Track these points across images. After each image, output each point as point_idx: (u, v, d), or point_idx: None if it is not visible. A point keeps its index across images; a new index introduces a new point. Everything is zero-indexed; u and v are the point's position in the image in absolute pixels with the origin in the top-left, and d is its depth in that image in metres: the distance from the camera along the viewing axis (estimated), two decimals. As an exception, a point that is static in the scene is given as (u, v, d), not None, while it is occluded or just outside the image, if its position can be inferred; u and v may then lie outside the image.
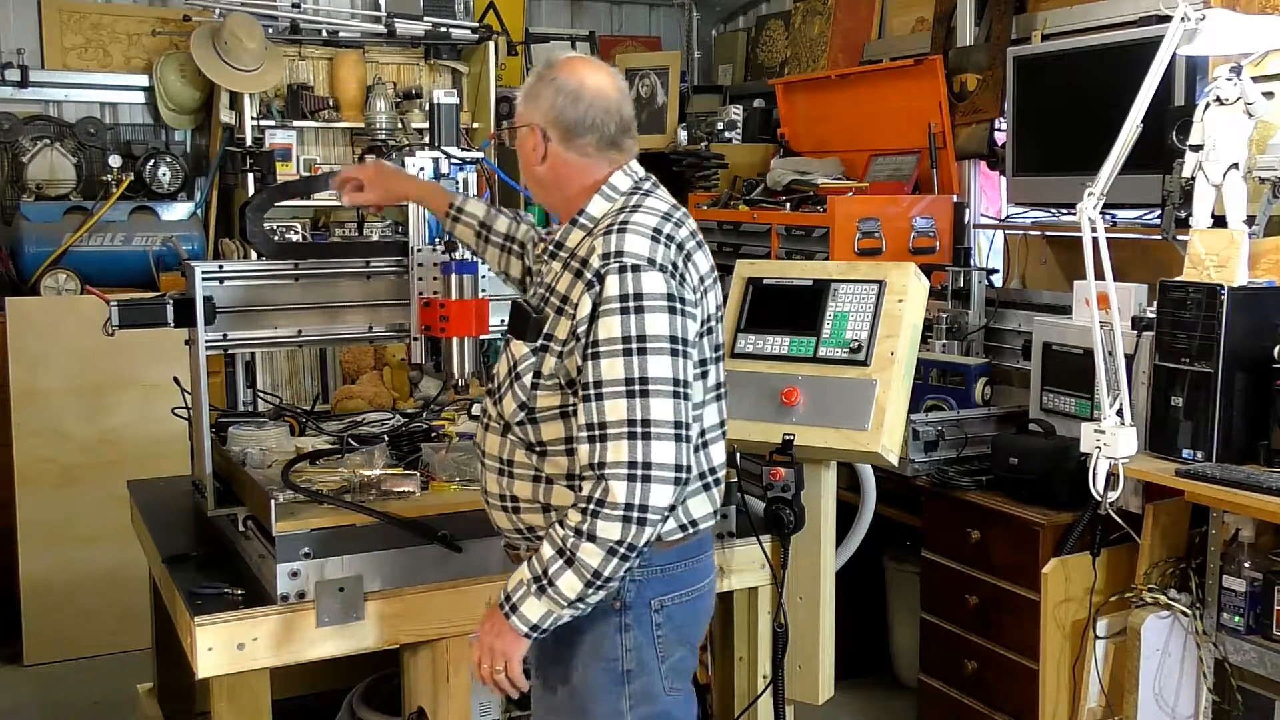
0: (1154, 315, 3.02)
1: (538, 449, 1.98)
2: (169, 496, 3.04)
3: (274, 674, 2.50)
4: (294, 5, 4.81)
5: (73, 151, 4.78)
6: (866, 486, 3.13)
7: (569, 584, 1.86)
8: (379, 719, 2.91)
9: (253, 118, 4.78)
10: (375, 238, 4.92)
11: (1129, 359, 3.04)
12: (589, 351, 1.87)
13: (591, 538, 1.83)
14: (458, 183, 2.77)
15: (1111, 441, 2.76)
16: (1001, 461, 3.33)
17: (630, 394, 1.83)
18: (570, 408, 1.93)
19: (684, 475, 1.86)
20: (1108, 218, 3.23)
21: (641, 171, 2.07)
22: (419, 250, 2.75)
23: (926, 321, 3.65)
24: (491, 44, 5.11)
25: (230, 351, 2.91)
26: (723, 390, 2.08)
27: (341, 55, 4.99)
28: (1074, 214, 2.79)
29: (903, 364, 2.73)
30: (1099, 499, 2.81)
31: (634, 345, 1.84)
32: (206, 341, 2.53)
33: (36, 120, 4.92)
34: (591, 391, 1.85)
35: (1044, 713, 3.13)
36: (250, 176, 4.71)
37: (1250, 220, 2.93)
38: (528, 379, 1.95)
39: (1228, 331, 2.80)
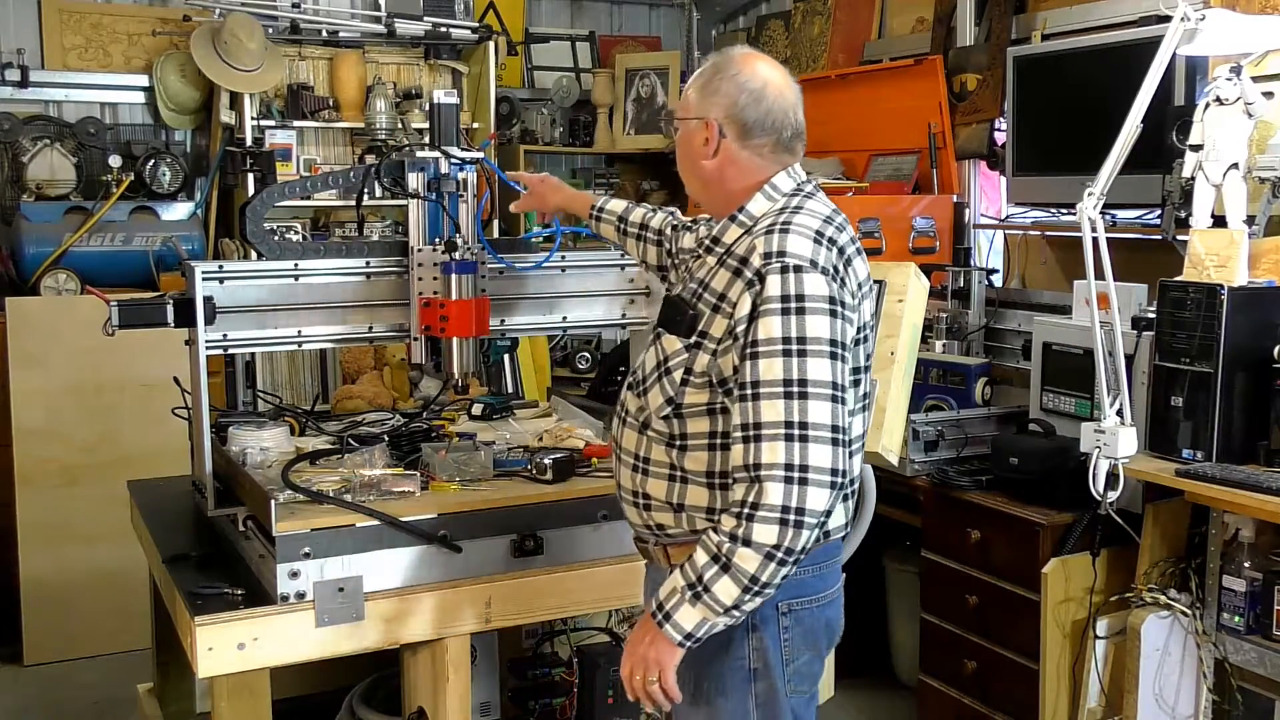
0: (1154, 315, 3.02)
1: (678, 443, 1.95)
2: (169, 496, 3.04)
3: (274, 674, 2.50)
4: (294, 5, 4.81)
5: (73, 151, 4.77)
6: (866, 486, 3.13)
7: (725, 590, 1.81)
8: (379, 719, 2.91)
9: (253, 118, 4.78)
10: (375, 238, 4.92)
11: (1129, 359, 3.04)
12: (747, 351, 1.83)
13: (748, 542, 1.78)
14: (457, 183, 2.77)
15: (1111, 441, 2.76)
16: (1001, 461, 3.33)
17: (789, 395, 1.79)
18: (718, 405, 1.90)
19: (839, 480, 1.82)
20: (1108, 218, 3.23)
21: (804, 174, 2.04)
22: (419, 250, 2.75)
23: (926, 321, 3.65)
24: (491, 44, 5.11)
25: (230, 351, 2.90)
26: (869, 400, 2.04)
27: (341, 55, 4.99)
28: (1074, 214, 2.79)
29: (903, 364, 2.74)
30: (1099, 499, 2.81)
31: (794, 347, 1.80)
32: (206, 341, 2.53)
33: (36, 120, 4.92)
34: (749, 391, 1.82)
35: (1044, 713, 3.13)
36: (250, 176, 4.71)
37: (1250, 220, 2.93)
38: (678, 375, 1.93)
39: (1228, 331, 2.80)
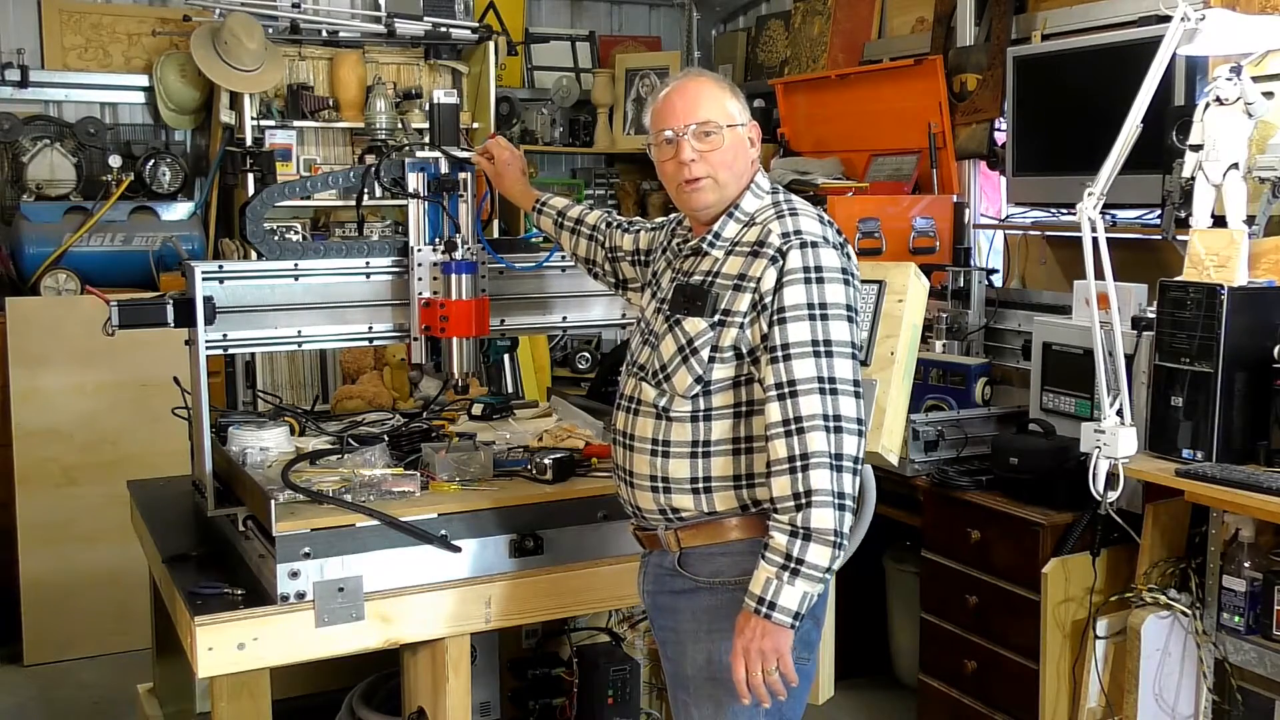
0: (1154, 315, 3.02)
1: (702, 416, 2.09)
2: (169, 496, 3.04)
3: (274, 674, 2.51)
4: (294, 5, 4.81)
5: (73, 151, 4.77)
6: (866, 486, 3.12)
7: (819, 554, 1.94)
8: (379, 719, 2.91)
9: (253, 118, 4.78)
10: (375, 238, 4.92)
11: (1129, 359, 3.04)
12: (775, 318, 2.01)
13: (810, 495, 1.93)
14: (458, 182, 2.77)
15: (1111, 441, 2.76)
16: (1001, 461, 3.33)
17: (817, 354, 1.98)
18: (743, 377, 2.07)
19: (864, 429, 2.02)
20: (1108, 218, 3.23)
21: None
22: (419, 250, 2.75)
23: (926, 321, 3.65)
24: (491, 44, 5.11)
25: (230, 351, 2.90)
26: None
27: (341, 55, 4.99)
28: (1074, 214, 2.79)
29: (903, 364, 2.74)
30: (1099, 499, 2.81)
31: (817, 311, 2.00)
32: (206, 341, 2.53)
33: (36, 120, 4.92)
34: (779, 353, 2.00)
35: (1044, 713, 3.13)
36: (250, 176, 4.71)
37: (1250, 220, 2.93)
38: (705, 353, 2.08)
39: (1228, 331, 2.80)
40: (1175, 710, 3.04)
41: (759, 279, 2.04)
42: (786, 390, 1.98)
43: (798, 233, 2.05)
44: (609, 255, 2.60)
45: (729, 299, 2.07)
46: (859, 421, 1.99)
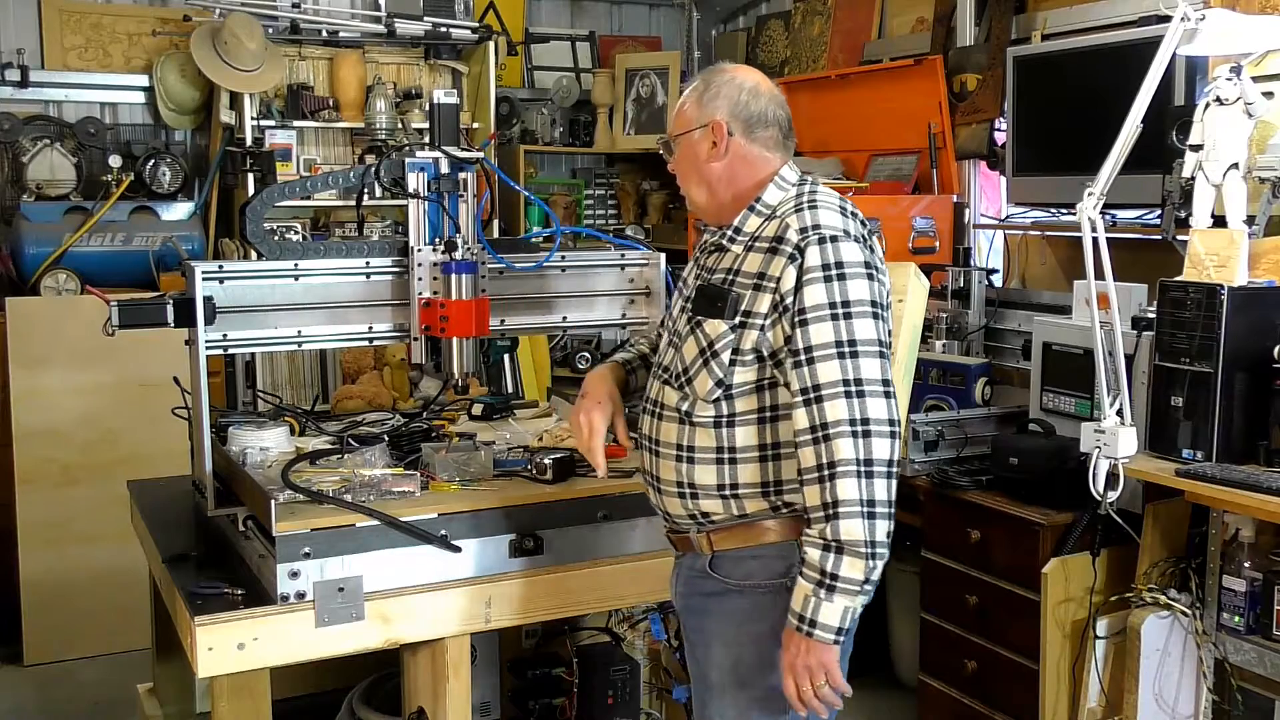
0: (1154, 315, 3.02)
1: (726, 422, 2.03)
2: (169, 496, 3.03)
3: (274, 674, 2.51)
4: (294, 5, 4.81)
5: (73, 151, 4.77)
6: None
7: (853, 568, 1.90)
8: (379, 719, 2.91)
9: (253, 118, 4.78)
10: (375, 238, 4.92)
11: (1129, 359, 3.04)
12: (796, 320, 1.94)
13: (837, 505, 1.87)
14: (458, 182, 2.77)
15: (1111, 441, 2.76)
16: (1001, 461, 3.33)
17: (841, 355, 1.91)
18: (765, 381, 2.01)
19: (896, 429, 1.93)
20: (1108, 218, 3.23)
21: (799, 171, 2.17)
22: (419, 250, 2.75)
23: (926, 321, 3.65)
24: (491, 44, 5.11)
25: (230, 351, 2.90)
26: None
27: (341, 55, 4.99)
28: (1074, 214, 2.79)
29: (903, 364, 2.74)
30: (1099, 499, 2.81)
31: (840, 310, 1.93)
32: (206, 341, 2.53)
33: (36, 120, 4.92)
34: (803, 357, 1.93)
35: (1044, 713, 3.13)
36: (250, 176, 4.71)
37: (1250, 220, 2.93)
38: (726, 356, 2.02)
39: (1227, 331, 2.80)
40: (1175, 710, 3.04)
41: (779, 278, 1.97)
42: (812, 395, 1.91)
43: (816, 227, 1.97)
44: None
45: (749, 300, 2.00)
46: (891, 423, 1.91)
